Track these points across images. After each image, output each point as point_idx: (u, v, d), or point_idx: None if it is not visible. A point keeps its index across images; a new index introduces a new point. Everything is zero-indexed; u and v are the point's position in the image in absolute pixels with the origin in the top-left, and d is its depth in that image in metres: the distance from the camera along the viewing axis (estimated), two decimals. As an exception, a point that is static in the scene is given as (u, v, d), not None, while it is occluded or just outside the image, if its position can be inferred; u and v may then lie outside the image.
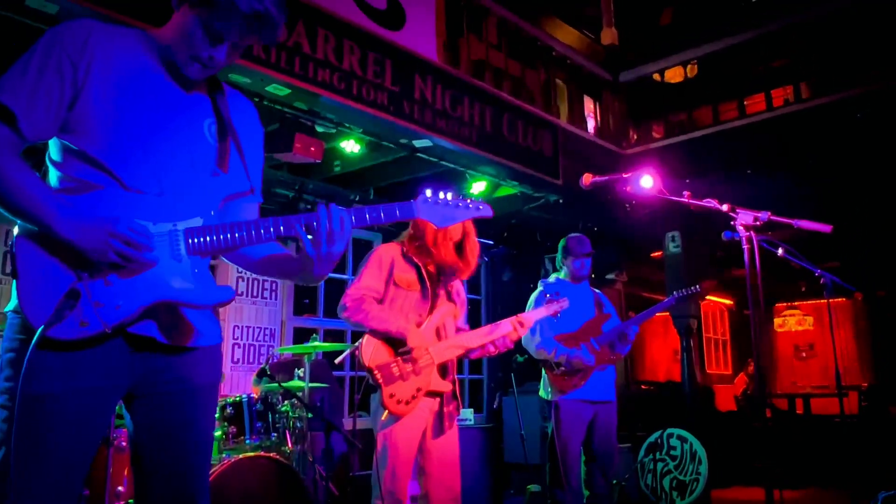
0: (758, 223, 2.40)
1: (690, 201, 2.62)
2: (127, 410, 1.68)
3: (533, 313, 3.32)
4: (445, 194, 1.87)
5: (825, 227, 2.35)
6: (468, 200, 1.90)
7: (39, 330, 1.43)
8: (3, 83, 1.52)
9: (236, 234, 1.60)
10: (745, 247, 2.42)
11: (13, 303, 1.56)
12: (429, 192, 1.85)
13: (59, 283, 1.49)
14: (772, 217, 2.41)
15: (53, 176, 1.62)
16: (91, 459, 1.60)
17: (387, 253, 3.10)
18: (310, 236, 1.62)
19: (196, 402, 1.70)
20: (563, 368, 4.21)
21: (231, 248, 1.64)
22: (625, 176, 2.81)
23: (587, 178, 2.96)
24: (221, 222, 1.63)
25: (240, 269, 6.00)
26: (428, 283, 3.08)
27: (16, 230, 1.52)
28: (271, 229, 1.62)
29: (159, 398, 1.66)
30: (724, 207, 2.49)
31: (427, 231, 3.06)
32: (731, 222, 2.49)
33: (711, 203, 2.54)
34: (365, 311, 2.93)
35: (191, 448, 1.69)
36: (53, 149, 1.62)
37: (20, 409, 1.44)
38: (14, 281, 1.51)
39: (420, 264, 3.09)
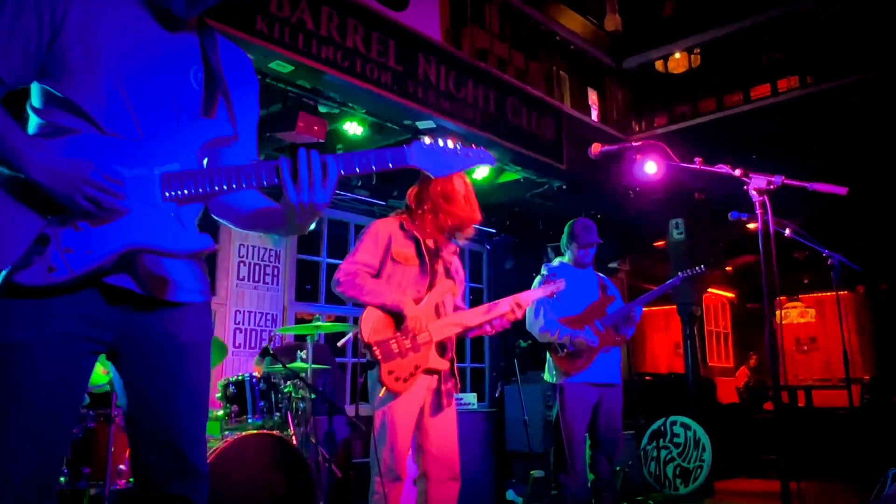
0: (771, 187, 2.36)
1: (702, 167, 2.58)
2: (116, 371, 1.63)
3: (530, 293, 3.27)
4: (445, 140, 1.71)
5: (841, 189, 2.30)
6: (468, 147, 1.75)
7: (3, 274, 1.39)
8: None
9: (216, 180, 1.52)
10: (759, 212, 2.37)
11: None
12: (427, 140, 1.69)
13: (27, 227, 1.43)
14: (785, 181, 2.37)
15: (33, 123, 1.57)
16: (72, 422, 1.55)
17: (384, 227, 3.04)
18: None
19: (183, 359, 1.63)
20: (567, 350, 4.17)
21: (210, 195, 1.56)
22: (634, 144, 2.77)
23: (596, 147, 2.91)
24: (201, 168, 1.57)
25: (241, 254, 5.96)
26: (427, 258, 3.03)
27: None
28: (252, 177, 1.53)
29: (144, 356, 1.59)
30: (737, 172, 2.46)
31: (433, 189, 3.02)
32: (744, 187, 2.45)
33: (724, 168, 2.50)
34: (359, 286, 2.89)
35: (182, 410, 1.62)
36: (35, 95, 1.58)
37: None
38: None
39: (420, 237, 3.03)
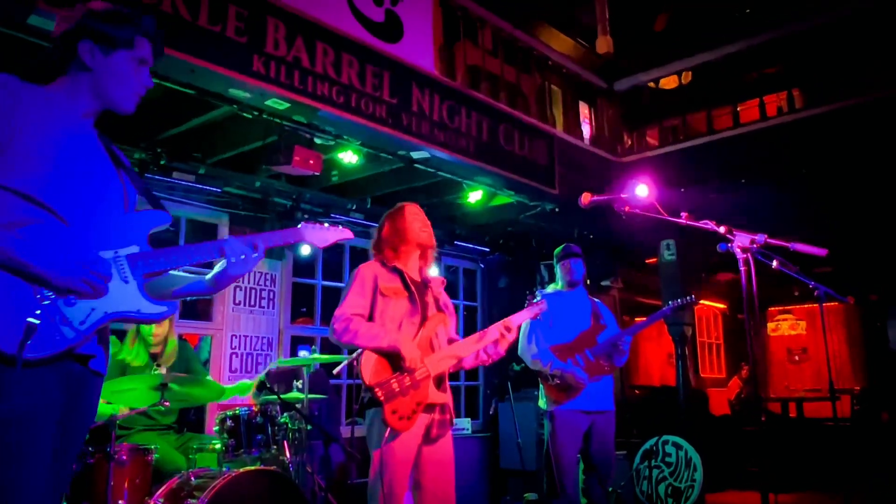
0: (754, 246, 2.43)
1: (688, 222, 2.66)
2: None
3: (516, 317, 3.32)
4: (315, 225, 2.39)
5: (821, 251, 2.39)
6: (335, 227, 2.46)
7: (7, 352, 1.54)
8: None
9: (172, 258, 1.87)
10: (742, 269, 2.46)
11: None
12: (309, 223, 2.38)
13: (26, 306, 1.61)
14: (768, 240, 2.44)
15: None
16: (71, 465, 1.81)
17: (368, 269, 3.17)
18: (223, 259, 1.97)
19: (93, 386, 1.87)
20: (557, 381, 4.25)
21: (166, 270, 1.90)
22: (623, 196, 2.85)
23: (586, 198, 3.00)
24: (154, 249, 1.88)
25: (238, 281, 6.01)
26: (413, 288, 3.13)
27: None
28: (195, 256, 1.93)
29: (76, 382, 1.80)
30: (722, 230, 2.53)
31: (386, 231, 3.27)
32: (728, 244, 2.52)
33: (709, 225, 2.58)
34: (353, 331, 2.97)
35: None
36: None
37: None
38: None
39: (401, 269, 3.16)
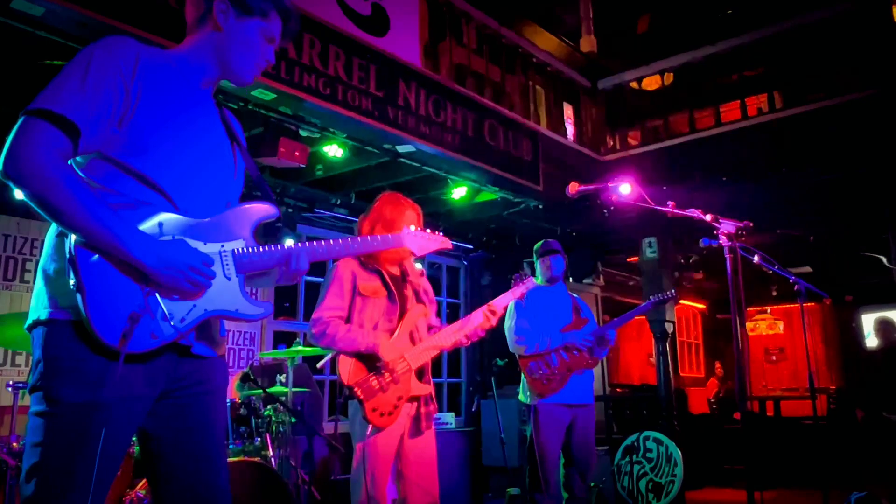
0: (741, 233, 2.47)
1: (674, 211, 2.68)
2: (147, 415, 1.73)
3: (502, 299, 3.31)
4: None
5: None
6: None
7: (109, 343, 1.49)
8: (61, 97, 1.53)
9: (275, 258, 1.78)
10: (728, 256, 2.48)
11: (39, 313, 1.57)
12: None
13: (129, 297, 1.55)
14: (751, 226, 2.48)
15: None
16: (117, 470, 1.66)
17: (346, 268, 3.10)
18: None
19: (216, 402, 1.78)
20: (543, 373, 4.27)
21: (267, 268, 1.79)
22: (610, 185, 2.87)
23: (573, 187, 3.02)
24: (257, 245, 1.77)
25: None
26: (392, 287, 3.10)
27: (73, 240, 1.51)
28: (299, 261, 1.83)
29: (185, 399, 1.72)
30: (708, 217, 2.56)
31: (379, 221, 3.16)
32: (714, 231, 2.55)
33: (695, 213, 2.60)
34: (331, 336, 2.94)
35: (214, 447, 1.75)
36: (87, 165, 1.63)
37: (70, 418, 1.50)
38: (77, 294, 1.50)
39: (381, 269, 3.12)
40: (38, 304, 1.59)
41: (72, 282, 1.50)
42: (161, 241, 1.58)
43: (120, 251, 1.52)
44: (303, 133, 4.82)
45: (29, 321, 1.61)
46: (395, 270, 3.19)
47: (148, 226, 1.59)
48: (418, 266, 3.34)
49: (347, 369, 2.89)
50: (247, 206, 1.79)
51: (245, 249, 1.74)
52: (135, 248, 1.53)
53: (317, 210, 6.25)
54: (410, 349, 3.01)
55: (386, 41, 5.10)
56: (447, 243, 2.58)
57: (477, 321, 3.13)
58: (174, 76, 1.73)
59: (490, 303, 3.20)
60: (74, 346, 1.53)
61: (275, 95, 4.30)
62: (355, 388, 2.85)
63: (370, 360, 2.92)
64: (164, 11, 3.61)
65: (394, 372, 2.92)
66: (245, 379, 4.39)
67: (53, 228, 1.61)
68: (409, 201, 3.25)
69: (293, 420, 4.42)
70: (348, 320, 3.03)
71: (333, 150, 5.16)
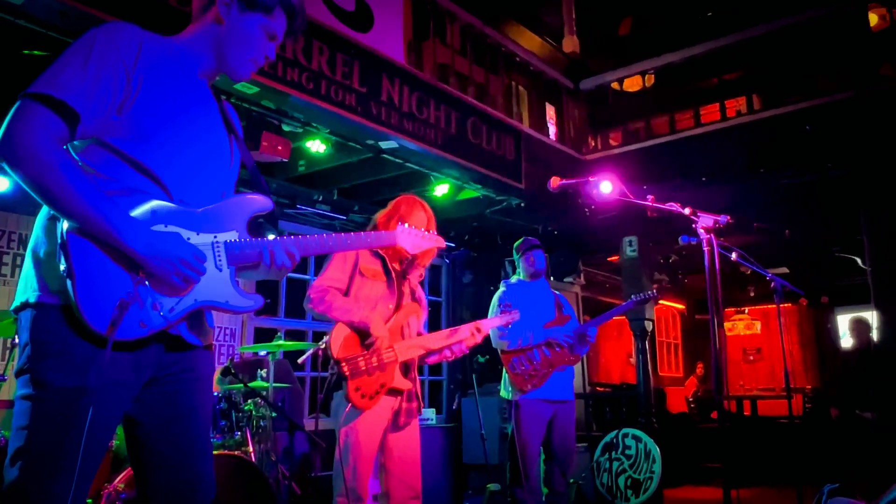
0: (718, 226, 2.51)
1: (654, 204, 2.72)
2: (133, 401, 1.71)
3: (489, 322, 3.47)
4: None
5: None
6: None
7: (97, 330, 1.49)
8: (61, 82, 1.52)
9: (258, 250, 1.76)
10: (706, 249, 2.53)
11: (28, 295, 1.56)
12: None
13: (119, 285, 1.54)
14: (730, 221, 2.52)
15: None
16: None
17: None
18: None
19: (202, 389, 1.78)
20: (525, 368, 4.31)
21: (257, 262, 1.77)
22: (591, 179, 2.91)
23: (555, 182, 3.05)
24: (249, 237, 1.77)
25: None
26: (393, 275, 3.17)
27: (65, 225, 1.50)
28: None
29: (171, 386, 1.71)
30: (686, 211, 2.60)
31: (402, 218, 3.16)
32: (693, 225, 2.59)
33: (674, 206, 2.64)
34: (328, 302, 2.99)
35: (199, 434, 1.75)
36: (84, 150, 1.62)
37: (57, 402, 1.49)
38: (67, 280, 1.49)
39: (385, 256, 3.18)
40: (26, 287, 1.58)
41: (62, 267, 1.49)
42: (155, 231, 1.58)
43: (112, 238, 1.51)
44: (286, 128, 4.82)
45: (16, 303, 1.59)
46: (398, 266, 3.24)
47: (140, 212, 1.58)
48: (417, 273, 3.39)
49: (340, 343, 2.92)
50: (243, 197, 1.79)
51: (238, 241, 1.74)
52: (127, 235, 1.52)
53: (299, 206, 6.23)
54: (400, 342, 3.06)
55: (370, 37, 5.10)
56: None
57: (463, 335, 3.23)
58: (175, 65, 1.72)
59: (477, 321, 3.33)
60: (63, 330, 1.52)
61: (258, 89, 4.30)
62: (343, 363, 2.88)
63: (363, 340, 2.96)
64: (147, 1, 3.59)
65: (380, 354, 2.95)
66: (226, 373, 4.38)
67: (44, 211, 1.60)
68: (425, 205, 3.34)
69: (273, 415, 4.41)
70: (346, 294, 3.08)
71: (316, 146, 5.16)
